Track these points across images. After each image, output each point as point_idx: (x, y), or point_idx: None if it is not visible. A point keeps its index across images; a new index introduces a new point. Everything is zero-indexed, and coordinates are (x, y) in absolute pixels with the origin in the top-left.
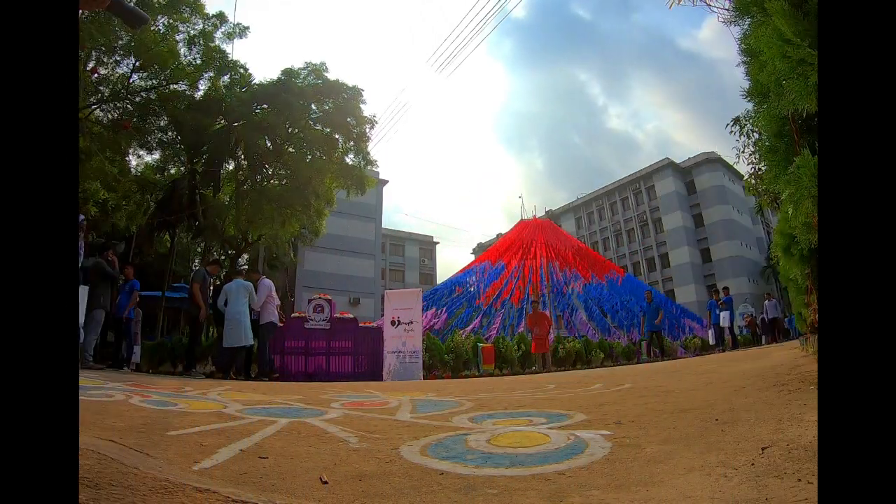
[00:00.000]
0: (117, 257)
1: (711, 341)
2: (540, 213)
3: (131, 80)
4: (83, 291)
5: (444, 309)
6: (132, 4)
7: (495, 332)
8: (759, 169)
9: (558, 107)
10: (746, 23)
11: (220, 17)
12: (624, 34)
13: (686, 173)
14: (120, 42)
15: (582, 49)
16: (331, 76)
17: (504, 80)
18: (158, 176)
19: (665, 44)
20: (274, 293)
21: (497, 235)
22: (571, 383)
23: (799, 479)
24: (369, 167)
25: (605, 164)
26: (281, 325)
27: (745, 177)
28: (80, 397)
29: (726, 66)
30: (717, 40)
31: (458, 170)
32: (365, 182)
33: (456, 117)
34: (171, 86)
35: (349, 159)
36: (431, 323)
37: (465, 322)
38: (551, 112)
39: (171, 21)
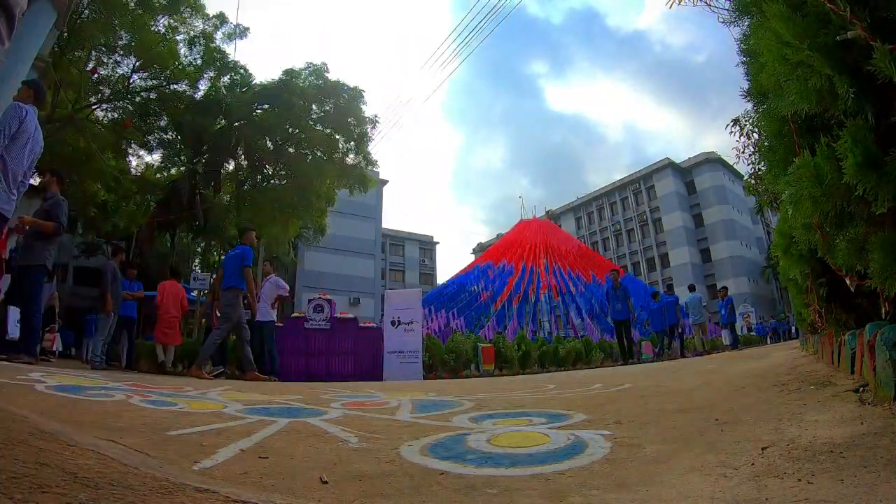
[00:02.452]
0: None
1: (726, 342)
2: (519, 210)
3: (131, 81)
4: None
5: (455, 312)
6: None
7: (512, 333)
8: (759, 169)
9: (504, 91)
10: (746, 23)
11: (221, 17)
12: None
13: (686, 173)
14: (120, 42)
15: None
16: (332, 77)
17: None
18: (159, 176)
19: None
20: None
21: (497, 235)
22: (571, 383)
23: (799, 479)
24: (370, 167)
25: (563, 146)
26: (280, 325)
27: (745, 177)
28: (80, 397)
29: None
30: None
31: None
32: (367, 181)
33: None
34: (172, 86)
35: (349, 159)
36: (445, 326)
37: (478, 326)
38: (499, 97)
39: (171, 21)
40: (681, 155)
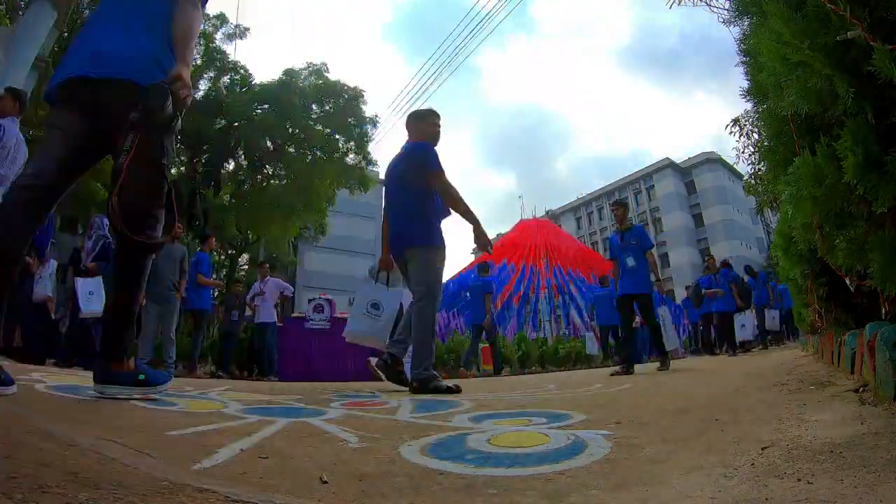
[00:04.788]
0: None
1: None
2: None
3: None
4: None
5: (455, 312)
6: None
7: (512, 333)
8: (759, 169)
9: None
10: (746, 23)
11: (221, 17)
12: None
13: (686, 173)
14: None
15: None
16: (332, 76)
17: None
18: None
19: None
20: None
21: (497, 235)
22: (571, 383)
23: (799, 479)
24: (370, 167)
25: (526, 132)
26: (280, 325)
27: (745, 177)
28: (80, 397)
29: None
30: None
31: None
32: (367, 181)
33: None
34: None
35: (350, 159)
36: (448, 325)
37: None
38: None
39: None
40: (655, 136)
